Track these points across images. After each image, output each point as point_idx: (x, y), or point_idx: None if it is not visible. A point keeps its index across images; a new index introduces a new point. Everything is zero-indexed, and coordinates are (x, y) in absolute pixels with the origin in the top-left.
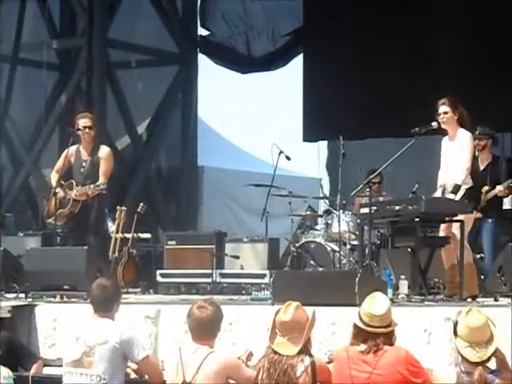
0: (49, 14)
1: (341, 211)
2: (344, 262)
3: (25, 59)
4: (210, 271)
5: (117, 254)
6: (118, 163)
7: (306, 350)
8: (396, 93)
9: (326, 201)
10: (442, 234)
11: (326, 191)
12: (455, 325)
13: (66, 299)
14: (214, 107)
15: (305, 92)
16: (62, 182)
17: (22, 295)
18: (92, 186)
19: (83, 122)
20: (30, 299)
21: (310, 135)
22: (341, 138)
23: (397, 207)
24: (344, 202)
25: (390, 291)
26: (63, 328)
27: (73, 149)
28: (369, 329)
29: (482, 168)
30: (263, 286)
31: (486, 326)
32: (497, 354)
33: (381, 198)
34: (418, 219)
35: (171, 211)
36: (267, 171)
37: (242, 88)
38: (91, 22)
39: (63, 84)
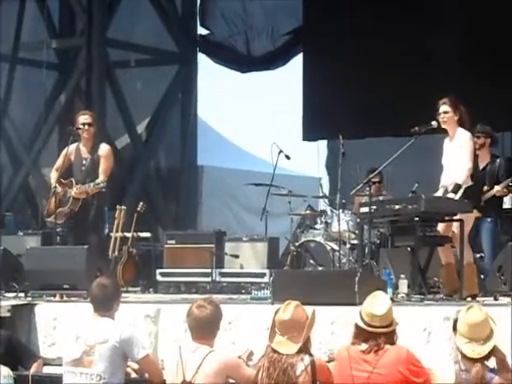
0: (48, 13)
1: (340, 210)
2: (344, 261)
3: (24, 59)
4: (209, 270)
5: (117, 253)
6: (118, 162)
7: (305, 348)
8: (396, 92)
9: (326, 200)
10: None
11: (326, 190)
12: (455, 321)
13: (65, 298)
14: (214, 106)
15: (304, 91)
16: (62, 181)
17: (22, 294)
18: (92, 184)
19: (83, 118)
20: (30, 298)
21: (309, 134)
22: (340, 137)
23: (396, 206)
24: (344, 201)
25: (389, 290)
26: (63, 327)
27: (73, 147)
28: (370, 329)
29: (480, 167)
30: (263, 285)
31: (485, 322)
32: (497, 354)
33: (381, 198)
34: (417, 218)
35: (171, 210)
36: (267, 170)
37: (241, 87)
38: (90, 21)
39: (62, 83)
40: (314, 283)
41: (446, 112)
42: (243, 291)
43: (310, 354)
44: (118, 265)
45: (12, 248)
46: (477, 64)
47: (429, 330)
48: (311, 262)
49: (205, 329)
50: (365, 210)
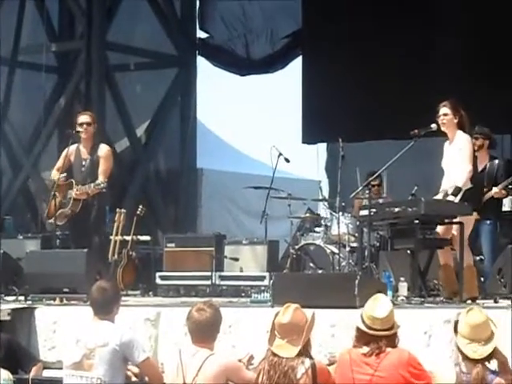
0: (47, 16)
1: (340, 213)
2: (343, 264)
3: (23, 62)
4: (209, 273)
5: (116, 256)
6: (117, 165)
7: (305, 351)
8: (395, 95)
9: (326, 203)
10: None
11: (326, 193)
12: (456, 323)
13: (65, 302)
14: (213, 109)
15: (304, 94)
16: (62, 182)
17: (22, 298)
18: (92, 184)
19: (82, 118)
20: (30, 302)
21: (309, 137)
22: (340, 140)
23: (396, 209)
24: (343, 204)
25: (389, 293)
26: (63, 331)
27: (73, 148)
28: (371, 332)
29: (479, 169)
30: (263, 288)
31: (486, 323)
32: (498, 356)
33: (380, 200)
34: (417, 221)
35: (170, 214)
36: (266, 173)
37: (240, 90)
38: (90, 24)
39: (62, 87)
40: (314, 286)
41: (445, 114)
42: (243, 294)
43: (311, 357)
44: (117, 268)
45: (12, 251)
46: (476, 66)
47: (429, 333)
48: (311, 265)
49: (205, 332)
50: (364, 212)
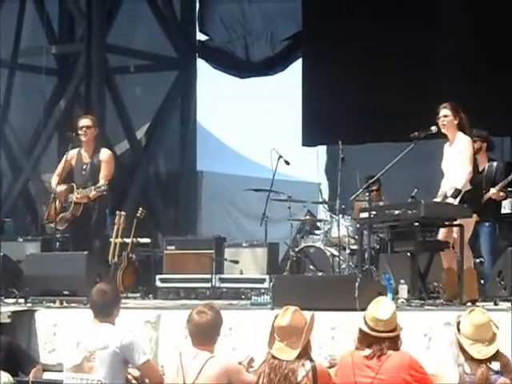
0: (47, 19)
1: (340, 216)
2: (343, 266)
3: (23, 64)
4: (209, 276)
5: (116, 258)
6: (117, 168)
7: (305, 354)
8: (395, 97)
9: (325, 205)
10: (440, 237)
11: (325, 196)
12: (458, 324)
13: (65, 304)
14: (213, 112)
15: (304, 96)
16: (63, 186)
17: (22, 300)
18: (93, 187)
19: (83, 121)
20: (30, 304)
21: (309, 140)
22: (340, 142)
23: (396, 212)
24: (343, 206)
25: (389, 296)
26: (63, 333)
27: (74, 152)
28: (374, 333)
29: (478, 171)
30: (263, 290)
31: (489, 324)
32: (501, 357)
33: (380, 203)
34: (417, 224)
35: (170, 216)
36: (266, 176)
37: (240, 93)
38: (90, 27)
39: (62, 89)
40: (314, 289)
41: (445, 116)
42: (243, 297)
43: (311, 360)
44: (117, 271)
45: (12, 254)
46: (476, 66)
47: (429, 336)
48: (311, 267)
49: (205, 335)
50: (364, 215)
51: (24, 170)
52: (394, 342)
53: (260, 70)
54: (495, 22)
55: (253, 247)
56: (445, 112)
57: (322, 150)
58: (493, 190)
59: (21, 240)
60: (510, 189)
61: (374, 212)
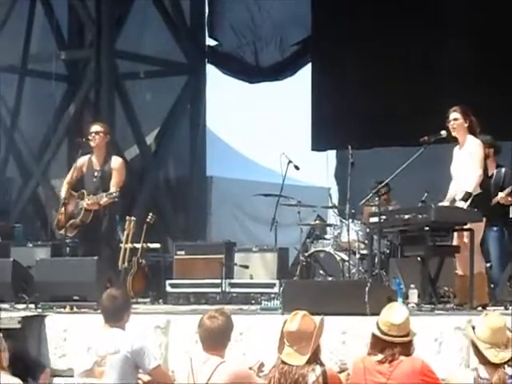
0: (57, 25)
1: (350, 220)
2: (353, 271)
3: (33, 70)
4: (219, 281)
5: (126, 264)
6: (127, 173)
7: (315, 358)
8: (405, 101)
9: (335, 210)
10: (455, 242)
11: (335, 200)
12: (473, 328)
13: (75, 310)
14: (223, 117)
15: (313, 101)
16: (73, 193)
17: (32, 306)
18: (104, 194)
19: (93, 127)
20: (40, 310)
21: (318, 144)
22: (349, 147)
23: (406, 216)
24: (353, 211)
25: (399, 300)
26: (73, 338)
27: (85, 158)
28: (386, 338)
29: (488, 176)
30: (273, 295)
31: (505, 327)
32: None
33: (390, 208)
34: (427, 228)
35: (180, 221)
36: (276, 181)
37: (250, 98)
38: (99, 33)
39: (72, 95)
40: (324, 293)
41: (456, 119)
42: (253, 302)
43: (322, 364)
44: (127, 276)
45: (22, 260)
46: (486, 72)
47: (440, 340)
48: (321, 272)
49: (216, 340)
50: (374, 219)
51: (34, 176)
52: (407, 348)
53: (269, 75)
54: (498, 21)
55: (263, 252)
56: (455, 115)
57: (331, 154)
58: (501, 195)
59: (31, 245)
60: None
61: (383, 216)
